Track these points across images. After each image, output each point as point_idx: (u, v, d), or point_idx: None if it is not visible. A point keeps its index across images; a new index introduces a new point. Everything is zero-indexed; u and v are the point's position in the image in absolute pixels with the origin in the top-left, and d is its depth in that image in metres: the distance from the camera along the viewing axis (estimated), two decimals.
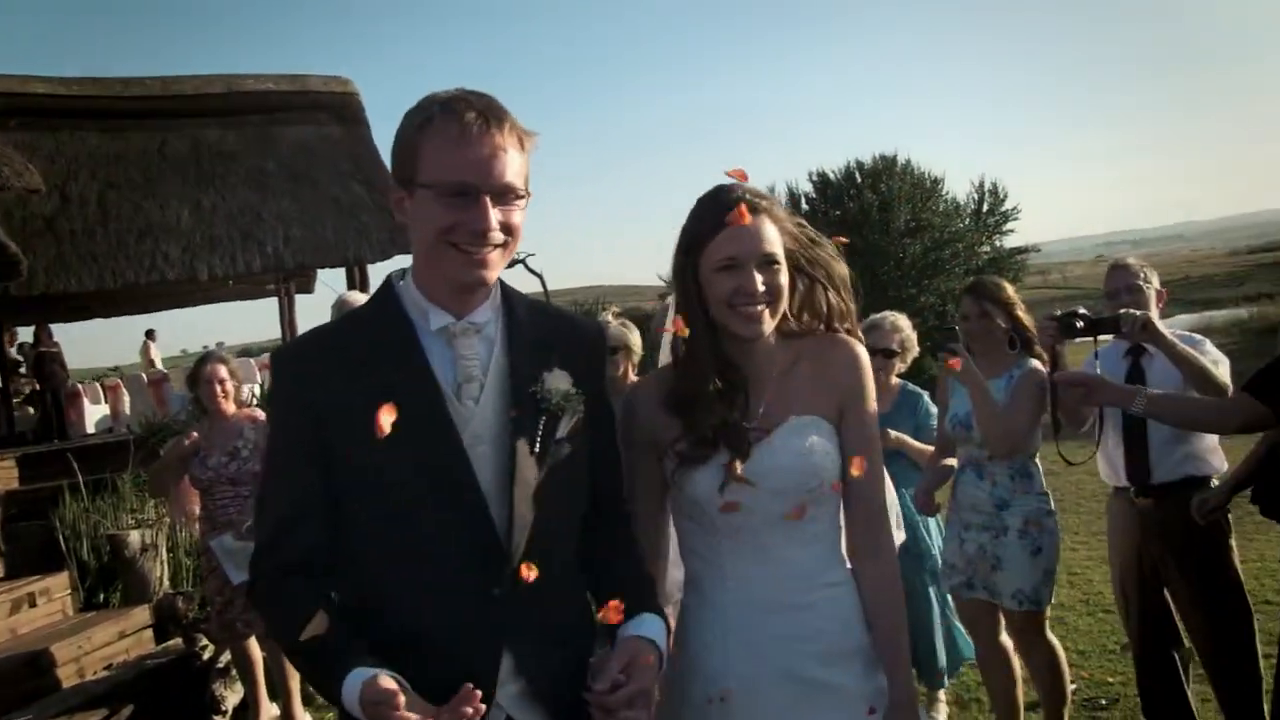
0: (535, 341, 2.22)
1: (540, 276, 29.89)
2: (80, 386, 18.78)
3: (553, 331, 2.27)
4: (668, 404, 2.45)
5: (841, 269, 2.53)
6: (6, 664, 6.58)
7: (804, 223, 2.51)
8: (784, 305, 2.41)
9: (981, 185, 28.50)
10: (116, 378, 21.31)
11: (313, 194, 16.55)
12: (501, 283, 2.24)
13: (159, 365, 23.37)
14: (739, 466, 2.34)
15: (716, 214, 2.35)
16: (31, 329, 19.09)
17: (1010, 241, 29.26)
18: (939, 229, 21.61)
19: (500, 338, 2.19)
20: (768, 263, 2.34)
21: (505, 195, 2.04)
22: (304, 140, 17.21)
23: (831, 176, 23.99)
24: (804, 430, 2.41)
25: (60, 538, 9.25)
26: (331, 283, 19.07)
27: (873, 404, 2.51)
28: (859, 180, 23.05)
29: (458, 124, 2.00)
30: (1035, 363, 4.68)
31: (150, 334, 24.97)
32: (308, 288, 20.26)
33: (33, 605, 7.70)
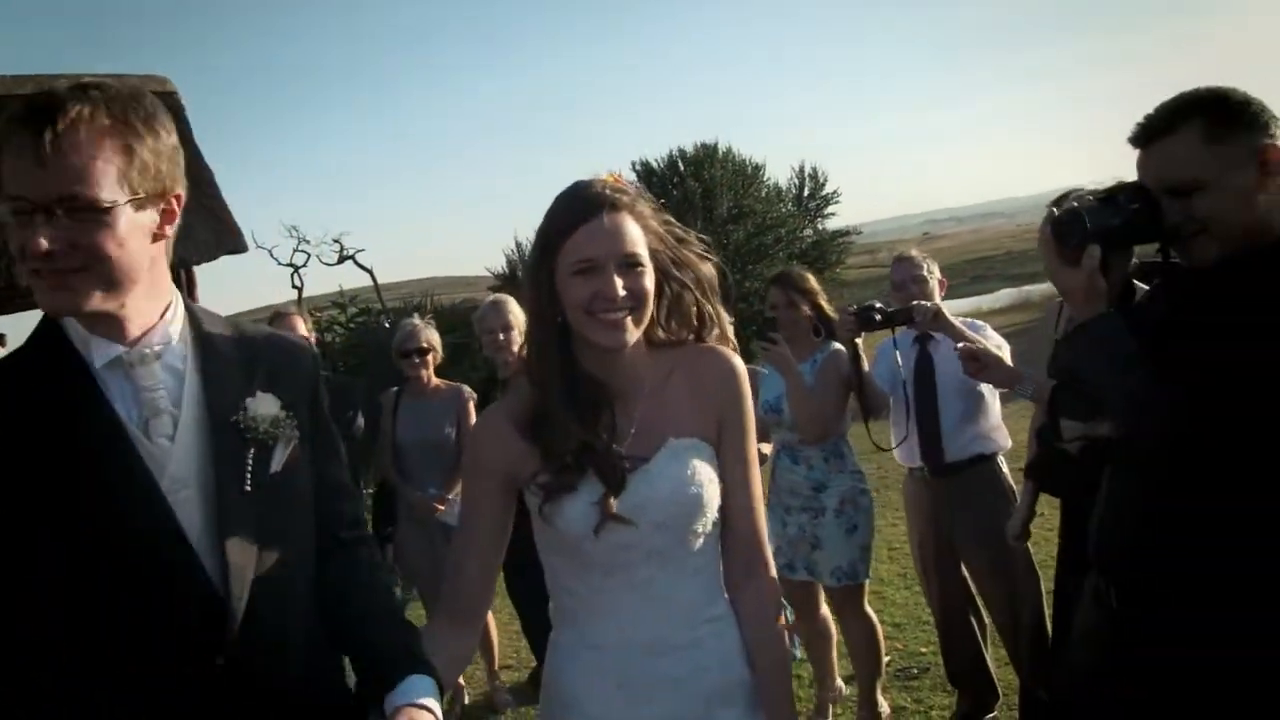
0: (233, 363, 1.92)
1: (370, 271, 29.59)
2: None
3: (253, 351, 1.97)
4: (522, 429, 2.17)
5: (709, 270, 2.27)
6: None
7: (671, 220, 2.26)
8: (649, 311, 2.14)
9: (802, 170, 29.30)
10: None
11: None
12: (186, 303, 1.95)
13: None
14: (613, 502, 2.08)
15: (572, 211, 2.10)
16: None
17: (833, 224, 30.14)
18: (761, 215, 22.08)
19: (191, 364, 1.87)
20: (630, 264, 2.09)
21: (73, 211, 1.64)
22: None
23: (655, 165, 24.26)
24: (684, 455, 2.17)
25: None
26: None
27: (751, 420, 2.28)
28: (682, 169, 23.34)
29: (17, 127, 1.65)
30: (838, 346, 4.85)
31: (1, 339, 23.81)
32: None
33: None
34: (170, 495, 1.77)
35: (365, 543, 2.17)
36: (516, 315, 5.55)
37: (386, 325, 16.80)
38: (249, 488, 1.83)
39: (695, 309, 2.24)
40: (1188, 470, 2.18)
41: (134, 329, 1.80)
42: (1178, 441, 2.16)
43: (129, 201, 1.69)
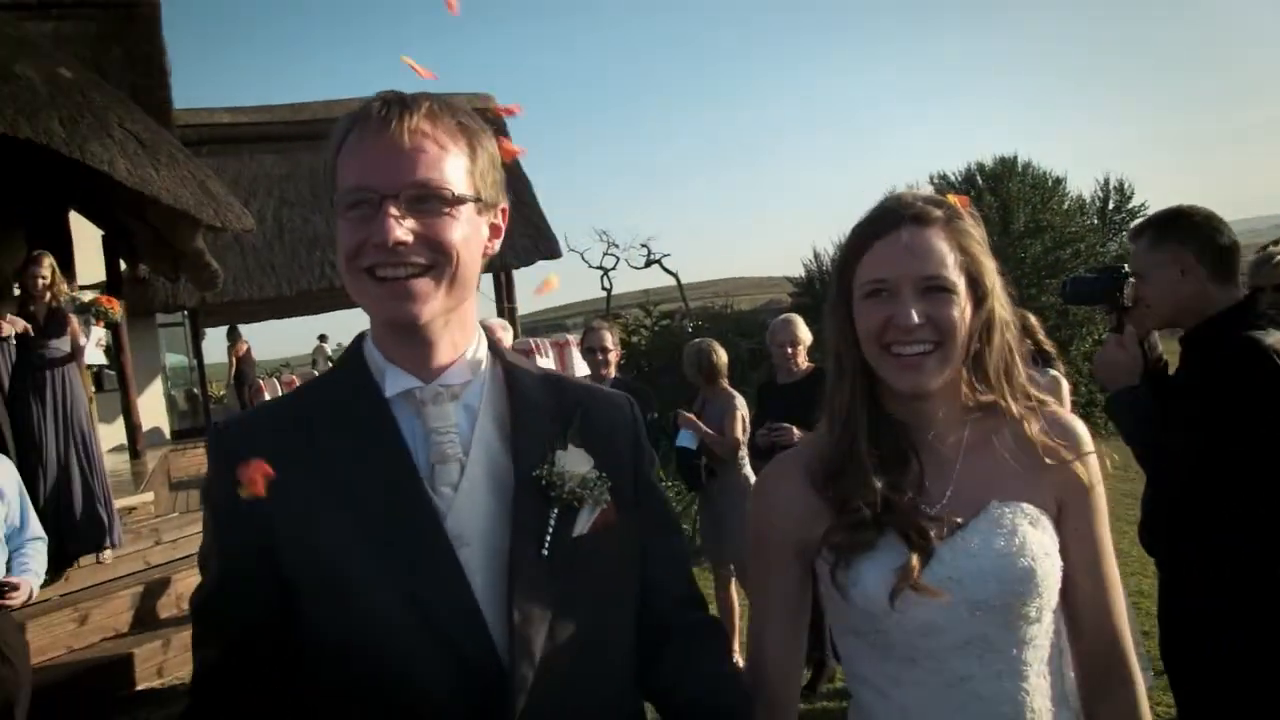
0: (543, 413, 1.67)
1: (675, 275, 30.53)
2: (261, 382, 20.05)
3: (566, 401, 1.71)
4: (815, 479, 1.81)
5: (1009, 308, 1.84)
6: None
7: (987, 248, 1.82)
8: (958, 350, 1.73)
9: (1107, 183, 27.88)
10: (291, 374, 22.63)
11: None
12: (495, 345, 1.73)
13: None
14: (917, 569, 1.67)
15: (869, 224, 1.77)
16: (224, 329, 20.48)
17: None
18: (1059, 229, 21.27)
19: (487, 405, 1.64)
20: (932, 289, 1.70)
21: (424, 199, 1.50)
22: None
23: (952, 179, 23.79)
24: (1012, 522, 1.73)
25: None
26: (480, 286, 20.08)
27: (1101, 496, 1.84)
28: (979, 182, 22.78)
29: (364, 121, 1.52)
30: (1054, 373, 4.87)
31: (323, 338, 26.41)
32: None
33: None
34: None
35: (711, 629, 1.82)
36: (803, 332, 6.40)
37: (689, 329, 17.41)
38: (546, 551, 1.56)
39: (1005, 363, 1.82)
40: (1195, 490, 3.03)
41: (435, 360, 1.60)
42: (1184, 474, 3.06)
43: (473, 201, 1.56)
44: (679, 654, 1.72)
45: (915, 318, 1.67)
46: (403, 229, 1.47)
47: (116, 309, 8.60)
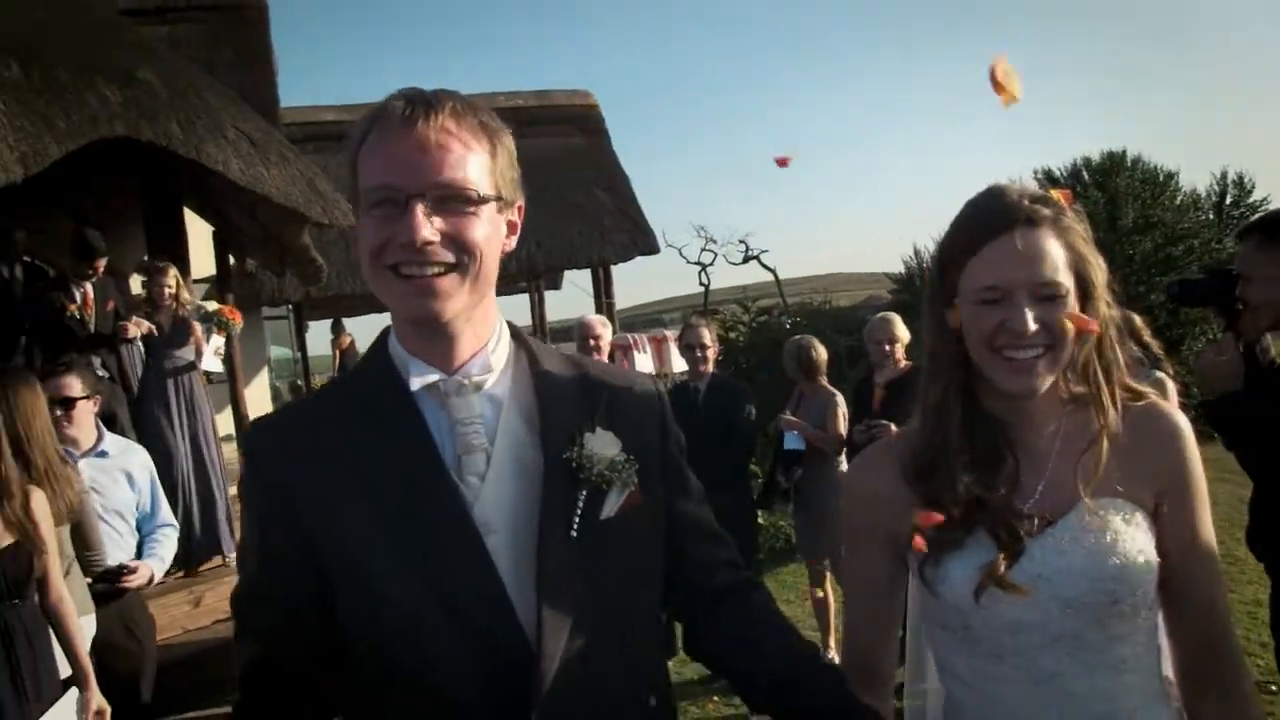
0: (568, 398, 1.70)
1: (773, 271, 30.39)
2: None
3: (592, 386, 1.74)
4: (907, 472, 1.83)
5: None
6: None
7: (1091, 242, 1.82)
8: (1069, 352, 1.73)
9: (1224, 177, 26.98)
10: None
11: (560, 201, 17.32)
12: (518, 333, 1.77)
13: None
14: (1002, 567, 1.69)
15: (978, 226, 1.74)
16: (326, 323, 20.92)
17: None
18: (1170, 225, 20.67)
19: (512, 394, 1.67)
20: (1048, 295, 1.70)
21: (449, 199, 1.53)
22: (551, 152, 17.95)
23: (1058, 174, 23.25)
24: (1103, 518, 1.72)
25: None
26: (575, 279, 20.33)
27: (1203, 493, 1.80)
28: (1085, 178, 22.23)
29: (387, 119, 1.54)
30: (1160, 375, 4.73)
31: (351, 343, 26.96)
32: (555, 284, 21.60)
33: None
34: None
35: (754, 586, 1.86)
36: (900, 330, 6.55)
37: (787, 325, 17.29)
38: (575, 533, 1.59)
39: (1106, 359, 1.81)
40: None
41: (458, 354, 1.63)
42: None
43: (495, 200, 1.59)
44: (730, 617, 1.78)
45: (1032, 325, 1.68)
46: (429, 228, 1.50)
47: (238, 320, 8.89)
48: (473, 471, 1.60)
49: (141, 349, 7.89)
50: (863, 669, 1.88)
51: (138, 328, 7.53)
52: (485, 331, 1.67)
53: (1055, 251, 1.71)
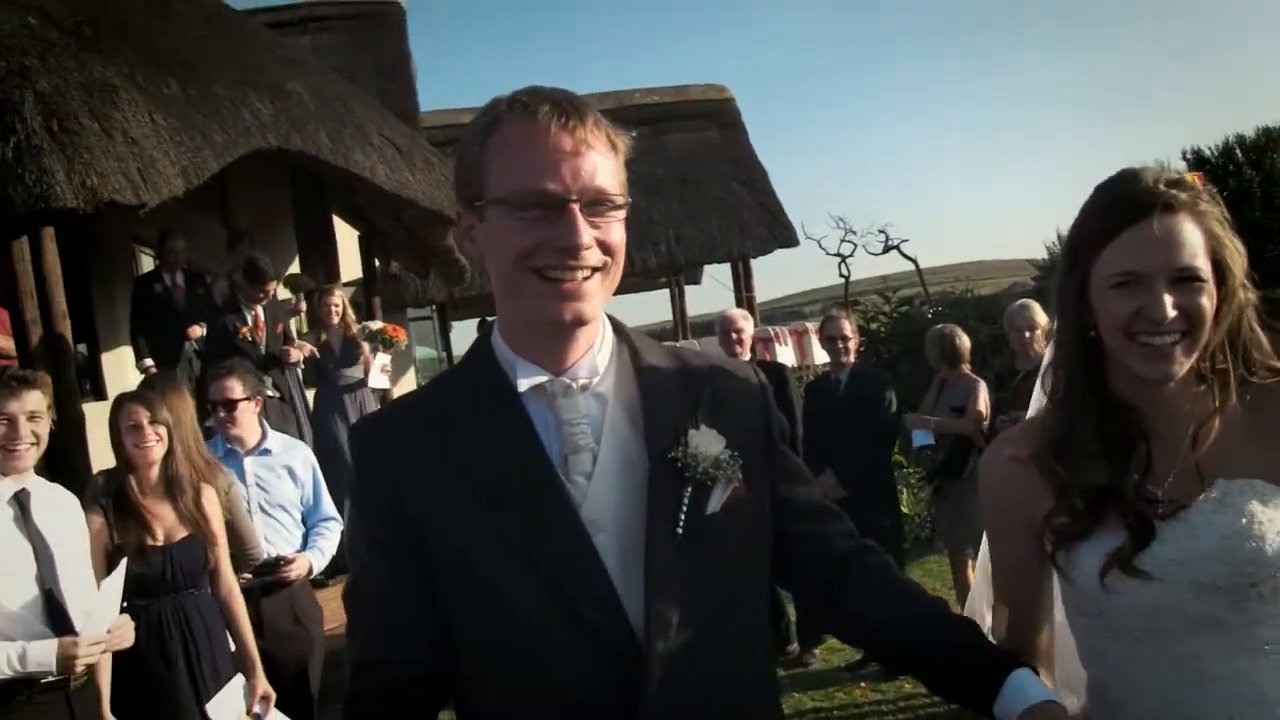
0: (673, 395, 1.69)
1: (914, 260, 29.92)
2: None
3: (696, 382, 1.73)
4: (1039, 459, 1.80)
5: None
6: None
7: (1228, 222, 1.75)
8: (1204, 337, 1.69)
9: None
10: None
11: (698, 196, 17.34)
12: (621, 329, 1.75)
13: None
14: (1129, 555, 1.66)
15: (1114, 211, 1.71)
16: (470, 323, 21.44)
17: None
18: None
19: (616, 393, 1.67)
20: (1185, 279, 1.66)
21: (599, 204, 1.55)
22: (688, 147, 17.98)
23: (1208, 153, 22.16)
24: (1241, 500, 1.66)
25: None
26: (715, 273, 20.31)
27: None
28: (1239, 156, 21.15)
29: (531, 122, 1.53)
30: None
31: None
32: (695, 279, 21.62)
33: None
34: None
35: (871, 550, 1.86)
36: (1040, 317, 6.40)
37: (929, 315, 16.99)
38: (680, 530, 1.58)
39: (1245, 341, 1.76)
40: None
41: (569, 355, 1.63)
42: None
43: (623, 206, 1.60)
44: (854, 583, 1.78)
45: (1170, 311, 1.64)
46: (587, 233, 1.52)
47: (402, 338, 9.20)
48: (579, 471, 1.60)
49: (299, 373, 8.22)
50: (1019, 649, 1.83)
51: (299, 351, 7.85)
52: (594, 332, 1.66)
53: (1193, 237, 1.67)
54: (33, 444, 3.51)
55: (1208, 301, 1.67)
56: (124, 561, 3.78)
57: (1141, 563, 1.65)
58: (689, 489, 1.60)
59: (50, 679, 3.39)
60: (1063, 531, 1.74)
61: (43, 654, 3.33)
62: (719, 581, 1.62)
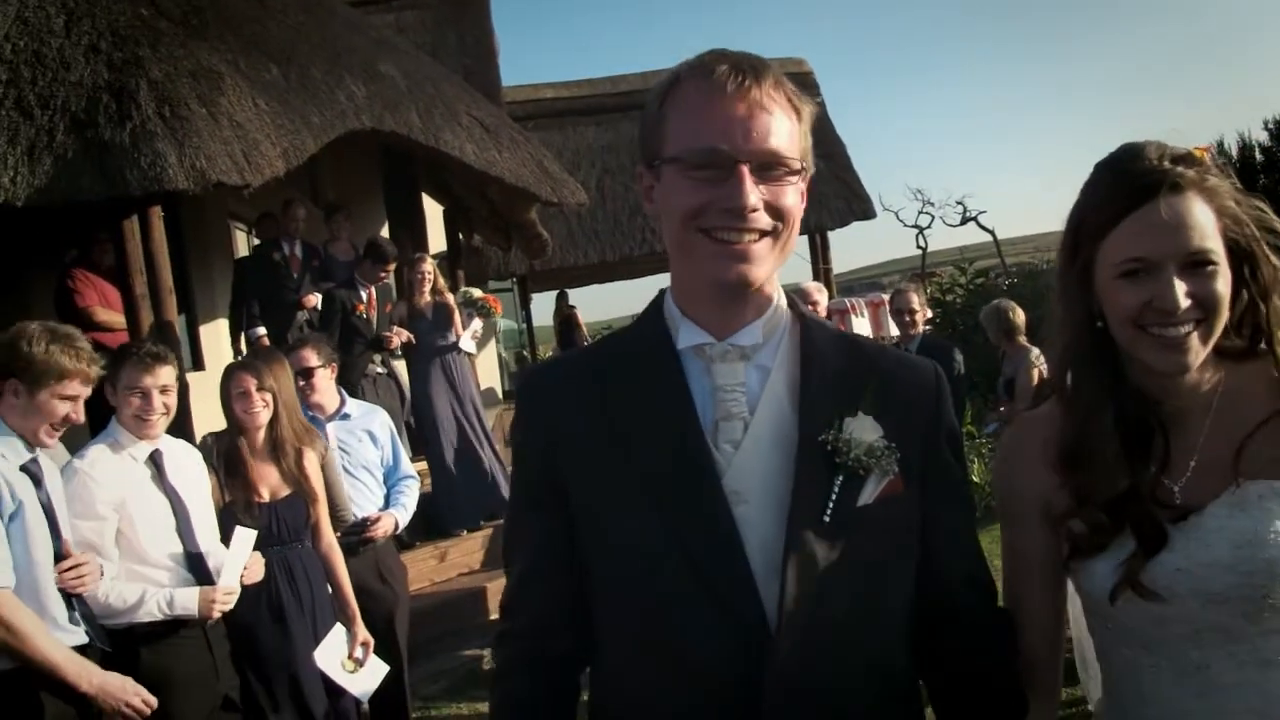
0: (836, 378, 1.62)
1: (992, 232, 29.58)
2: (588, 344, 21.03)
3: (864, 368, 1.65)
4: (1054, 457, 1.71)
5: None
6: None
7: (1263, 206, 1.64)
8: (1221, 323, 1.58)
9: None
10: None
11: None
12: (796, 306, 1.70)
13: None
14: (1138, 569, 1.58)
15: (1117, 194, 1.59)
16: (549, 294, 21.74)
17: None
18: None
19: (780, 367, 1.62)
20: (1197, 264, 1.54)
21: (772, 167, 1.52)
22: None
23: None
24: (1258, 505, 1.55)
25: None
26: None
27: None
28: None
29: (707, 81, 1.52)
30: None
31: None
32: None
33: None
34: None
35: (998, 615, 1.76)
36: None
37: (1004, 286, 16.86)
38: (827, 518, 1.54)
39: (1267, 320, 1.65)
40: None
41: (736, 320, 1.61)
42: None
43: (804, 170, 1.58)
44: (960, 637, 1.67)
45: (1183, 301, 1.53)
46: (756, 195, 1.50)
47: (499, 308, 9.47)
48: (728, 439, 1.57)
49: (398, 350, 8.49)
50: (1034, 645, 1.78)
51: (398, 337, 8.13)
52: (765, 301, 1.63)
53: (1203, 217, 1.55)
54: (164, 414, 3.89)
55: (1223, 285, 1.56)
56: (250, 525, 4.16)
57: (1150, 571, 1.57)
58: (841, 476, 1.55)
59: (191, 619, 3.83)
60: (1079, 545, 1.67)
61: (187, 600, 3.79)
62: (863, 577, 1.56)
